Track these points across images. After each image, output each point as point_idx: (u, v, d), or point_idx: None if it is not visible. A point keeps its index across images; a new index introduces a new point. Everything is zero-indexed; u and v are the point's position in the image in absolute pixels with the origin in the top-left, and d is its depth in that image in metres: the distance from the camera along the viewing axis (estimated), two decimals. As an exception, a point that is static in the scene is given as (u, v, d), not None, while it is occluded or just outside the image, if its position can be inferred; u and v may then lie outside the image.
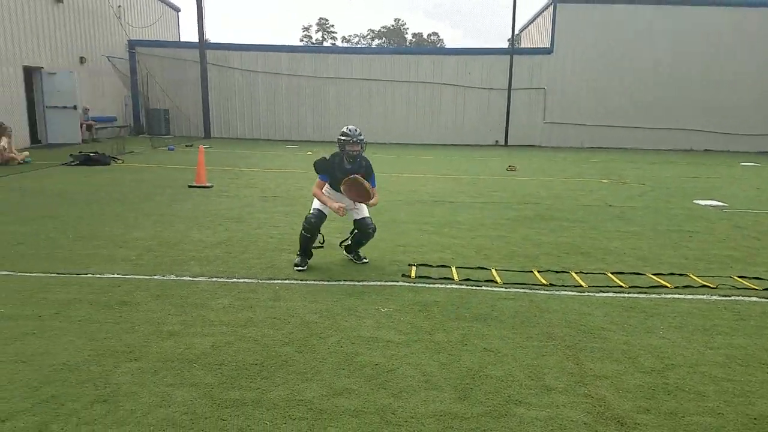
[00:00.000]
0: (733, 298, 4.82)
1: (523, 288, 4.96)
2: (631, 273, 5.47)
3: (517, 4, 25.73)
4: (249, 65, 24.91)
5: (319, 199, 5.34)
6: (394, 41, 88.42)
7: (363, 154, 5.39)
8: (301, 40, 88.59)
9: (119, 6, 23.25)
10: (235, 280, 4.94)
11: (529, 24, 30.58)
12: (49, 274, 4.91)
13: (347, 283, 4.98)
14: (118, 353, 3.44)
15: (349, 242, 5.65)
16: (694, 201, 9.94)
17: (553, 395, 3.11)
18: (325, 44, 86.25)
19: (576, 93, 24.87)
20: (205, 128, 24.26)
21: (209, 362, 3.37)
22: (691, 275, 5.41)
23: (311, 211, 5.33)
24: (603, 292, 4.91)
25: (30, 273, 4.93)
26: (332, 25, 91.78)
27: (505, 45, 27.77)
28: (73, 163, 12.74)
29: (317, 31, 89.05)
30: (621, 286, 5.05)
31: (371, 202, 5.28)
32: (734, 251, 6.47)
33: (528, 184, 12.02)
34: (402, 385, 3.17)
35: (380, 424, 2.78)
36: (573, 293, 4.86)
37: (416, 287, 4.90)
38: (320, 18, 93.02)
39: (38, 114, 17.99)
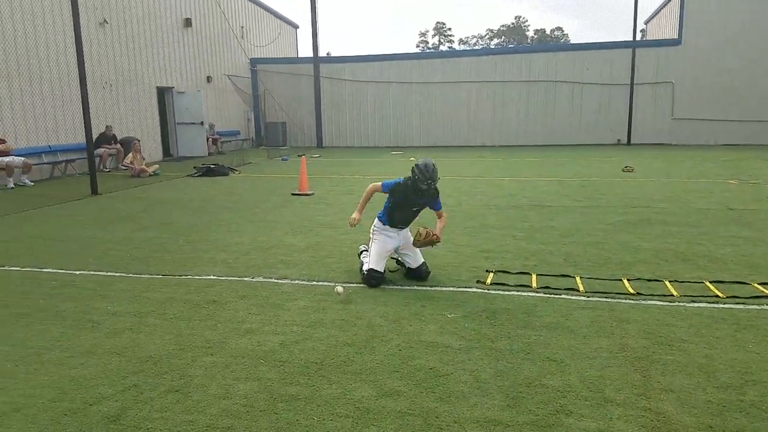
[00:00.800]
0: None
1: (607, 297, 4.73)
2: (733, 282, 5.00)
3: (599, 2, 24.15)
4: (359, 76, 25.76)
5: (363, 199, 5.40)
6: (514, 40, 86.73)
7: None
8: (418, 46, 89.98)
9: (242, 27, 25.17)
10: (314, 282, 5.22)
11: (656, 14, 28.60)
12: (155, 276, 5.51)
13: (420, 288, 5.07)
14: (198, 348, 3.81)
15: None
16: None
17: (609, 407, 2.98)
18: (442, 48, 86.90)
19: (708, 86, 22.81)
20: (318, 138, 25.48)
21: (275, 359, 3.63)
22: (805, 288, 4.84)
23: (373, 272, 5.06)
24: (695, 302, 4.55)
25: (140, 275, 5.57)
26: (449, 29, 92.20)
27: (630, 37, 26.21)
28: (196, 175, 14.01)
29: (434, 36, 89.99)
30: (717, 296, 4.65)
31: (438, 245, 5.25)
32: None
33: (643, 186, 11.29)
34: (452, 390, 3.20)
35: (422, 426, 2.84)
36: (661, 303, 4.56)
37: (489, 294, 4.86)
38: (437, 22, 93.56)
39: (170, 130, 20.04)
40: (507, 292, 4.90)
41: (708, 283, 4.97)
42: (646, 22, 31.06)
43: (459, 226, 7.67)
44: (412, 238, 5.29)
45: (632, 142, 23.79)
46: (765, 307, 4.40)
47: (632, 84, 23.41)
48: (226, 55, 23.73)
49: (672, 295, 4.71)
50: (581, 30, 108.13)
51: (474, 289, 4.98)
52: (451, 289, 5.02)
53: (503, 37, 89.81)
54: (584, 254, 6.14)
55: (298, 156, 19.81)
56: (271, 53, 28.37)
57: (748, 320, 4.13)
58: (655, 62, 23.30)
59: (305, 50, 32.50)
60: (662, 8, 26.93)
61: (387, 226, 5.27)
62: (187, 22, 20.44)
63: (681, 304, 4.52)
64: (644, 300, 4.63)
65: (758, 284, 4.91)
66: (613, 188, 10.99)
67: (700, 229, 7.25)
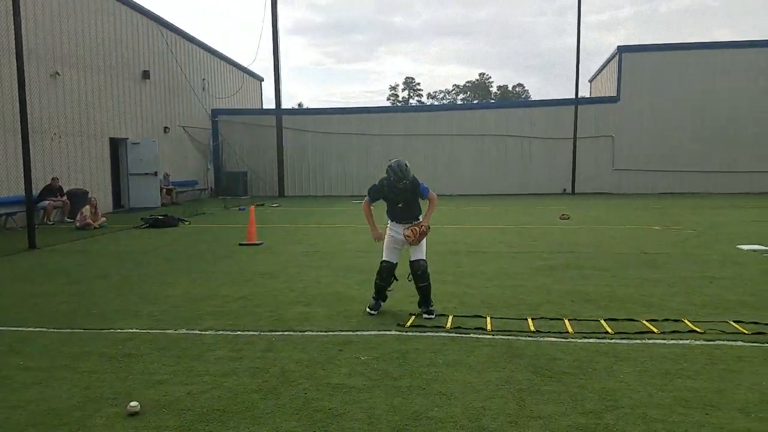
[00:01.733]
0: (717, 342, 4.76)
1: (509, 335, 5.14)
2: (624, 320, 5.49)
3: (580, 57, 25.84)
4: (322, 127, 26.55)
5: (366, 217, 6.12)
6: (478, 95, 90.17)
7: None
8: (388, 99, 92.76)
9: (203, 79, 25.77)
10: (239, 332, 5.39)
11: (598, 73, 30.51)
12: (76, 330, 5.52)
13: (341, 333, 5.32)
14: (104, 400, 3.88)
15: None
16: (738, 246, 9.54)
17: (480, 434, 3.32)
18: (411, 102, 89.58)
19: (645, 139, 24.36)
20: (279, 188, 25.88)
21: (179, 407, 3.73)
22: (685, 320, 5.36)
23: (382, 262, 5.91)
24: (586, 338, 5.00)
25: (61, 329, 5.57)
26: (418, 83, 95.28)
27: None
28: (142, 226, 13.91)
29: (404, 90, 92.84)
30: (607, 332, 5.11)
31: (410, 232, 5.75)
32: (749, 296, 6.28)
33: (574, 232, 11.97)
34: (344, 427, 3.42)
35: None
36: (555, 339, 4.99)
37: (405, 336, 5.18)
38: (406, 77, 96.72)
39: (122, 181, 19.98)
40: (422, 334, 5.25)
41: (603, 321, 5.45)
42: (590, 81, 33.01)
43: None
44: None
45: (576, 191, 24.95)
46: (646, 341, 4.87)
47: (575, 138, 24.76)
48: (185, 106, 24.16)
49: (567, 332, 5.15)
50: (541, 86, 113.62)
51: (393, 332, 5.30)
52: (372, 332, 5.30)
53: (468, 93, 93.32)
54: (501, 296, 6.58)
55: (257, 206, 20.15)
56: (236, 104, 29.09)
57: (627, 353, 4.58)
58: (595, 118, 24.80)
59: (286, 101, 33.36)
60: (603, 68, 28.80)
61: (394, 222, 5.96)
62: (145, 74, 20.82)
63: (572, 340, 4.96)
64: (541, 337, 5.05)
65: (646, 321, 5.41)
66: (546, 235, 11.62)
67: (612, 272, 7.82)
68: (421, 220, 5.93)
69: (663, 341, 4.85)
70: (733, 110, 23.57)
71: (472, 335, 5.15)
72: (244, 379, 4.24)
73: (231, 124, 26.88)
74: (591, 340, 4.94)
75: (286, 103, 26.35)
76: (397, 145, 26.07)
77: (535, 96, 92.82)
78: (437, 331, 5.29)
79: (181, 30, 23.92)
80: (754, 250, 9.12)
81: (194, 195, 24.01)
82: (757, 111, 23.33)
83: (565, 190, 25.18)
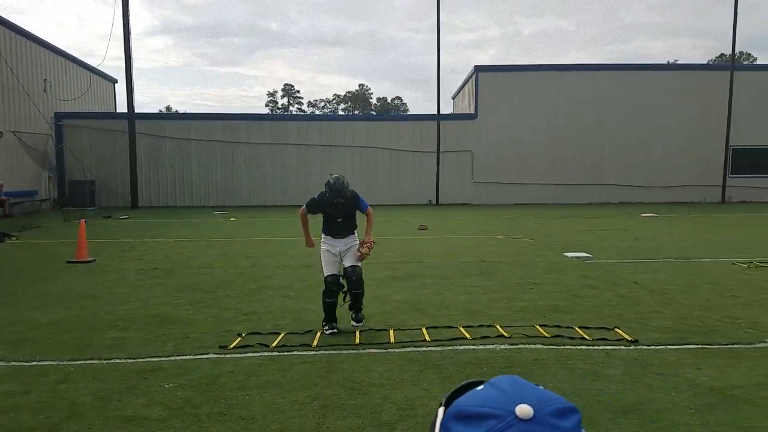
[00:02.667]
0: (519, 346, 5.09)
1: (333, 349, 5.11)
2: (444, 327, 5.72)
3: (452, 74, 27.06)
4: (181, 134, 25.27)
5: (302, 225, 6.13)
6: (359, 105, 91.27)
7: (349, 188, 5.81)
8: (267, 105, 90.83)
9: (45, 80, 23.51)
10: (34, 363, 4.85)
11: (459, 91, 32.15)
12: None
13: (153, 359, 4.94)
14: None
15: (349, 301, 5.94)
16: (564, 254, 10.40)
17: (273, 454, 3.22)
18: (291, 110, 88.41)
19: (500, 154, 25.93)
20: (132, 198, 24.18)
21: None
22: (497, 326, 5.68)
23: (327, 277, 5.74)
24: (405, 347, 5.12)
25: None
26: (298, 91, 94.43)
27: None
28: (-39, 244, 12.44)
29: (283, 97, 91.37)
30: (425, 340, 5.27)
31: (366, 249, 5.84)
32: (562, 301, 6.82)
33: (427, 243, 12.38)
34: None
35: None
36: (376, 350, 5.06)
37: (223, 359, 4.95)
38: (285, 84, 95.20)
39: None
40: (242, 355, 5.04)
41: (424, 329, 5.62)
42: (453, 98, 34.73)
43: (241, 288, 7.78)
44: (355, 246, 5.89)
45: (441, 202, 26.02)
46: (457, 347, 5.08)
47: (438, 152, 25.87)
48: (17, 109, 21.76)
49: (389, 342, 5.24)
50: (419, 100, 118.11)
51: (210, 356, 5.03)
52: (187, 357, 5.00)
53: (349, 103, 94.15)
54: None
55: (104, 218, 18.67)
56: (84, 107, 26.86)
57: (436, 360, 4.75)
58: (456, 133, 26.09)
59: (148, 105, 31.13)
60: (463, 86, 30.42)
61: (328, 236, 5.91)
62: (-26, 76, 18.57)
63: (392, 350, 5.05)
64: (363, 349, 5.09)
65: (462, 327, 5.67)
66: (400, 246, 11.91)
67: (449, 280, 8.16)
68: (356, 233, 6.01)
69: (473, 347, 5.10)
70: (579, 128, 25.87)
71: (295, 353, 5.06)
72: (24, 416, 3.82)
73: (77, 129, 24.70)
74: (408, 349, 5.06)
75: (153, 107, 24.77)
76: (265, 154, 25.60)
77: (412, 109, 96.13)
78: (261, 351, 5.13)
79: (17, 26, 21.67)
80: (578, 258, 9.99)
81: (34, 206, 21.72)
82: (599, 129, 25.81)
83: (430, 201, 26.16)
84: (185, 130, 25.38)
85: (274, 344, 5.28)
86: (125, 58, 23.12)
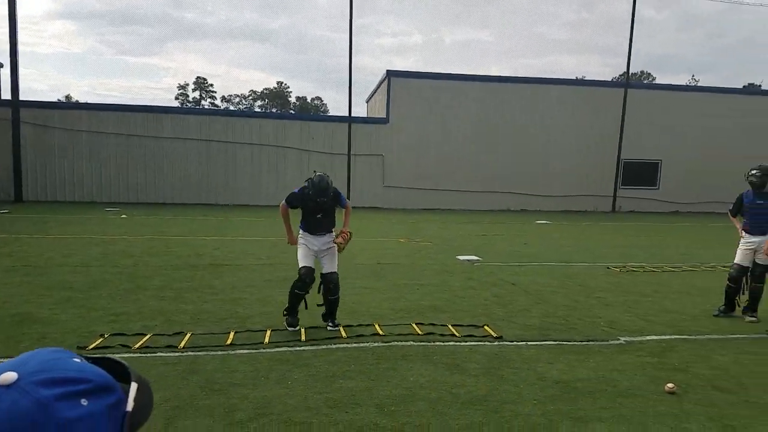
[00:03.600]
0: (392, 343, 5.26)
1: (201, 350, 5.03)
2: (324, 327, 5.77)
3: (370, 77, 27.19)
4: (72, 125, 23.79)
5: (283, 220, 6.09)
6: (277, 103, 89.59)
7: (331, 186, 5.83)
8: (177, 98, 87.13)
9: None
10: None
11: (373, 95, 32.47)
12: None
13: (3, 360, 4.71)
14: None
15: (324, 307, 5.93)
16: (457, 257, 10.80)
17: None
18: (204, 104, 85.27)
19: (410, 159, 26.43)
20: (16, 191, 22.48)
21: None
22: (375, 325, 5.83)
23: (301, 269, 5.75)
24: (278, 347, 5.14)
25: None
26: (211, 85, 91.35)
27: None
28: None
29: (195, 90, 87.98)
30: (299, 340, 5.31)
31: (341, 239, 5.90)
32: (444, 301, 7.10)
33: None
34: None
35: None
36: (246, 351, 5.03)
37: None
38: (197, 77, 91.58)
39: None
40: (99, 356, 4.84)
41: (302, 330, 5.66)
42: (367, 101, 35.06)
43: (115, 288, 7.45)
44: (334, 247, 5.92)
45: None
46: (330, 346, 5.17)
47: (349, 154, 26.00)
48: None
49: (262, 343, 5.22)
50: (340, 100, 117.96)
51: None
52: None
53: (266, 100, 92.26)
54: (216, 311, 6.46)
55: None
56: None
57: (307, 359, 4.83)
58: (368, 137, 26.34)
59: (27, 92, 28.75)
60: (376, 90, 30.77)
61: (306, 233, 5.91)
62: None
63: (263, 350, 5.05)
64: (232, 350, 5.04)
65: (343, 327, 5.76)
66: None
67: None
68: (333, 234, 6.02)
69: (346, 345, 5.20)
70: (485, 138, 26.89)
71: (158, 354, 4.94)
72: None
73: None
74: (281, 349, 5.08)
75: (51, 95, 23.03)
76: (164, 148, 24.61)
77: (333, 110, 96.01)
78: (120, 352, 4.94)
79: None
80: (469, 260, 10.41)
81: None
82: (504, 139, 26.95)
83: (340, 204, 26.24)
84: (76, 121, 23.87)
85: (137, 345, 5.11)
86: (10, 39, 21.48)
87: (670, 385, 4.20)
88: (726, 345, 5.52)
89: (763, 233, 6.43)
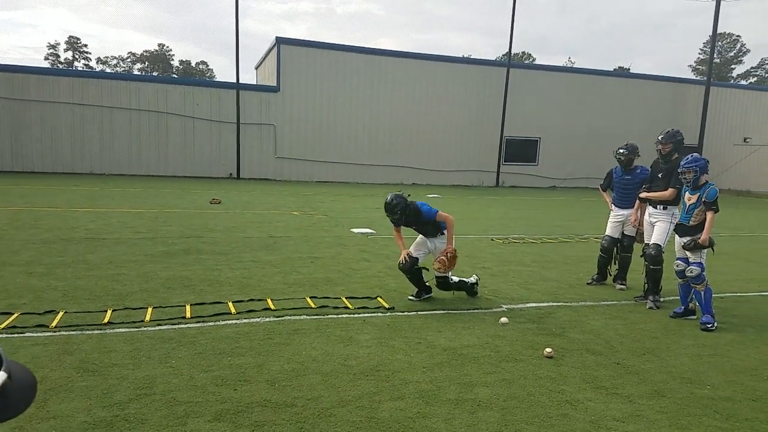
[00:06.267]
0: (284, 318, 5.16)
1: (76, 330, 4.63)
2: (212, 303, 5.55)
3: (240, 43, 26.01)
4: None
5: (397, 241, 6.37)
6: (159, 67, 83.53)
7: (408, 205, 6.05)
8: (47, 59, 78.63)
9: None
10: None
11: (262, 61, 31.30)
12: None
13: None
14: None
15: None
16: (351, 229, 10.83)
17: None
18: (77, 65, 77.54)
19: (303, 130, 25.96)
20: None
21: None
22: (268, 300, 5.69)
23: (407, 255, 6.09)
24: (160, 325, 4.85)
25: None
26: (85, 45, 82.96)
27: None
28: None
29: (67, 50, 79.73)
30: (183, 317, 5.05)
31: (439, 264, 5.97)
32: (337, 274, 7.10)
33: (215, 217, 11.89)
34: None
35: None
36: (125, 330, 4.71)
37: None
38: (70, 36, 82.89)
39: None
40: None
41: (187, 306, 5.38)
42: (256, 68, 33.80)
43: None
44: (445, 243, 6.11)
45: (242, 176, 25.28)
46: (219, 323, 4.96)
47: (238, 123, 25.00)
48: None
49: (142, 321, 4.91)
50: (227, 66, 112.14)
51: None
52: None
53: (147, 63, 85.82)
54: (91, 287, 5.99)
55: None
56: None
57: (192, 337, 4.59)
58: (258, 105, 25.44)
59: None
60: (266, 57, 29.71)
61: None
62: None
63: (145, 328, 4.75)
64: (111, 329, 4.70)
65: (231, 302, 5.57)
66: (186, 219, 11.26)
67: (229, 255, 7.94)
68: (443, 236, 6.16)
69: (236, 321, 5.02)
70: (377, 111, 27.00)
71: (27, 334, 4.49)
72: None
73: None
74: (163, 327, 4.80)
75: None
76: (30, 112, 22.30)
77: (219, 76, 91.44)
78: (-16, 333, 4.43)
79: None
80: (363, 233, 10.46)
81: None
82: (396, 114, 27.22)
83: (231, 174, 25.25)
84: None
85: (3, 325, 4.63)
86: None
87: (548, 349, 4.49)
88: (598, 311, 6.00)
89: (629, 206, 7.03)
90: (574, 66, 51.00)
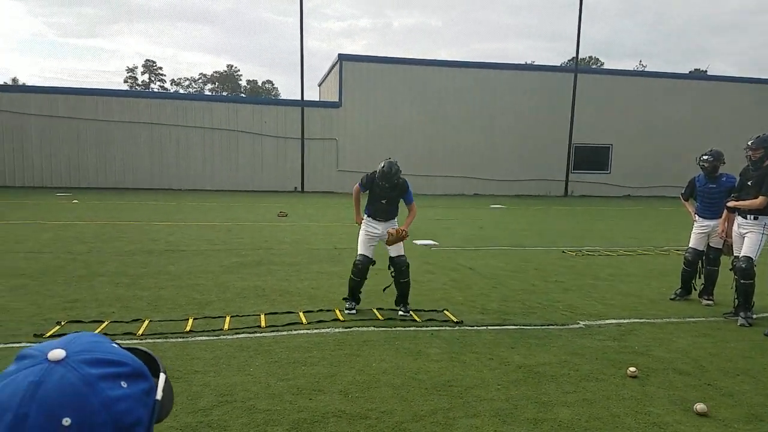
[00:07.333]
0: (353, 329, 5.20)
1: (159, 337, 4.83)
2: (284, 312, 5.66)
3: (320, 61, 26.67)
4: (19, 108, 22.60)
5: (354, 201, 6.19)
6: (227, 87, 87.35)
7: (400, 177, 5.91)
8: (126, 81, 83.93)
9: None
10: None
11: (325, 78, 31.99)
12: None
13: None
14: None
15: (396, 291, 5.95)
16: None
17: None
18: (153, 87, 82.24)
19: (364, 144, 26.23)
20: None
21: None
22: (336, 310, 5.75)
23: (357, 257, 5.90)
24: (238, 333, 4.98)
25: None
26: (160, 68, 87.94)
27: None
28: None
29: (144, 73, 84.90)
30: (259, 326, 5.17)
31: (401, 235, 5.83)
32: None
33: (283, 229, 12.18)
34: None
35: None
36: (206, 338, 4.86)
37: (11, 348, 4.52)
38: (147, 60, 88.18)
39: None
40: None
41: (262, 315, 5.51)
42: (319, 85, 34.56)
43: (69, 274, 7.14)
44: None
45: (306, 189, 25.85)
46: (292, 332, 5.04)
47: (303, 138, 25.62)
48: None
49: (222, 330, 5.06)
50: (291, 85, 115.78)
51: (23, 344, 4.57)
52: (-5, 345, 4.52)
53: (216, 84, 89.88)
54: (173, 297, 6.23)
55: None
56: None
57: (268, 345, 4.68)
58: (321, 121, 25.98)
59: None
60: (329, 74, 30.34)
61: (370, 218, 5.96)
62: None
63: (224, 336, 4.88)
64: (192, 337, 4.87)
65: (302, 312, 5.64)
66: (256, 232, 11.60)
67: (297, 267, 8.10)
68: (396, 222, 6.03)
69: (307, 331, 5.10)
70: (438, 121, 26.96)
71: (117, 342, 4.65)
72: None
73: None
74: (241, 336, 4.93)
75: None
76: (114, 132, 23.69)
77: (284, 94, 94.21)
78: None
79: None
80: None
81: None
82: (457, 123, 27.08)
83: (296, 188, 25.86)
84: (23, 104, 22.72)
85: (97, 331, 4.87)
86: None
87: (632, 368, 4.28)
88: (684, 328, 5.67)
89: (715, 217, 6.63)
90: (646, 69, 48.97)
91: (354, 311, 5.82)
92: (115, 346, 0.83)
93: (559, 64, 47.90)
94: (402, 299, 5.94)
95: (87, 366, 0.75)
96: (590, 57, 73.51)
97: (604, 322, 5.77)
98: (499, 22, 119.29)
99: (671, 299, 6.86)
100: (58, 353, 0.75)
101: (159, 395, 0.82)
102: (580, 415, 3.59)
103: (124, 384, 0.76)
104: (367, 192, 6.03)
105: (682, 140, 28.36)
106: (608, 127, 28.42)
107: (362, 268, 5.87)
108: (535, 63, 40.59)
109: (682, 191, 7.23)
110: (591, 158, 28.55)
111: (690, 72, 56.04)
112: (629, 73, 30.77)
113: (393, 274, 5.96)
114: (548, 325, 5.64)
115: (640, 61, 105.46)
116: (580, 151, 28.36)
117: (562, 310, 6.25)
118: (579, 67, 28.96)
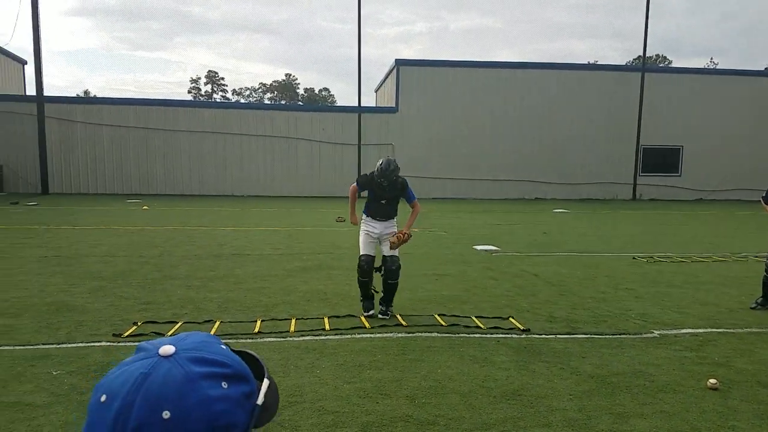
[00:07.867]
0: (416, 334, 5.18)
1: (229, 339, 4.96)
2: (345, 316, 5.72)
3: (377, 67, 26.97)
4: (93, 119, 23.98)
5: (350, 201, 6.20)
6: (286, 95, 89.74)
7: (399, 175, 5.88)
8: (190, 92, 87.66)
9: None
10: None
11: (382, 84, 32.21)
12: None
13: (42, 346, 4.73)
14: None
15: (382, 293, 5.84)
16: (474, 246, 10.67)
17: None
18: (215, 97, 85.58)
19: (421, 148, 26.17)
20: (42, 185, 22.84)
21: None
22: (398, 315, 5.74)
23: (361, 257, 5.82)
24: (303, 336, 5.08)
25: None
26: (222, 78, 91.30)
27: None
28: None
29: (206, 84, 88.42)
30: (323, 329, 5.24)
31: (395, 238, 5.79)
32: (463, 292, 6.99)
33: (342, 234, 12.30)
34: None
35: None
36: (274, 339, 4.99)
37: (115, 347, 4.81)
38: (209, 71, 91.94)
39: None
40: (134, 343, 4.78)
41: (325, 318, 5.58)
42: (376, 91, 34.81)
43: (143, 277, 7.48)
44: (395, 230, 5.87)
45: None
46: (356, 336, 5.08)
47: (360, 144, 25.87)
48: None
49: (288, 332, 5.16)
50: (348, 91, 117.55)
51: (103, 343, 4.83)
52: (79, 345, 4.80)
53: (275, 92, 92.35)
54: (241, 299, 6.42)
55: (11, 204, 17.64)
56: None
57: (333, 348, 4.75)
58: (378, 126, 26.14)
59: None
60: (385, 80, 30.52)
61: (369, 218, 5.92)
62: None
63: (290, 339, 4.99)
64: (261, 338, 4.99)
65: (363, 317, 5.66)
66: (316, 237, 11.79)
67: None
68: (395, 222, 6.01)
69: (370, 335, 5.12)
70: (498, 125, 26.58)
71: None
72: None
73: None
74: (306, 338, 5.01)
75: (70, 91, 23.31)
76: (181, 141, 24.71)
77: (340, 101, 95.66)
78: (154, 339, 4.90)
79: None
80: (486, 250, 10.28)
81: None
82: (517, 126, 26.61)
83: (354, 194, 26.13)
84: (97, 115, 24.12)
85: (169, 333, 5.07)
86: (33, 37, 21.67)
87: (712, 380, 4.06)
88: (767, 339, 5.34)
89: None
90: (718, 67, 46.57)
91: (370, 313, 5.74)
92: (223, 347, 0.84)
93: (624, 63, 46.32)
94: (386, 300, 5.83)
95: (192, 363, 0.77)
96: (657, 55, 70.69)
97: (680, 332, 5.50)
98: (560, 21, 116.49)
99: (752, 308, 6.47)
100: (168, 349, 0.78)
101: (260, 400, 0.82)
102: (658, 428, 3.43)
103: (224, 385, 0.78)
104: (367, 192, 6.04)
105: (757, 141, 26.82)
106: (678, 128, 27.19)
107: (367, 268, 5.79)
108: (598, 63, 39.34)
109: (763, 194, 6.82)
110: (660, 160, 27.37)
111: (766, 69, 53.00)
112: (700, 71, 29.35)
113: (382, 273, 5.82)
114: (620, 334, 5.43)
115: (711, 59, 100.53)
116: (649, 153, 27.25)
117: (634, 318, 6.01)
118: (646, 65, 27.83)
